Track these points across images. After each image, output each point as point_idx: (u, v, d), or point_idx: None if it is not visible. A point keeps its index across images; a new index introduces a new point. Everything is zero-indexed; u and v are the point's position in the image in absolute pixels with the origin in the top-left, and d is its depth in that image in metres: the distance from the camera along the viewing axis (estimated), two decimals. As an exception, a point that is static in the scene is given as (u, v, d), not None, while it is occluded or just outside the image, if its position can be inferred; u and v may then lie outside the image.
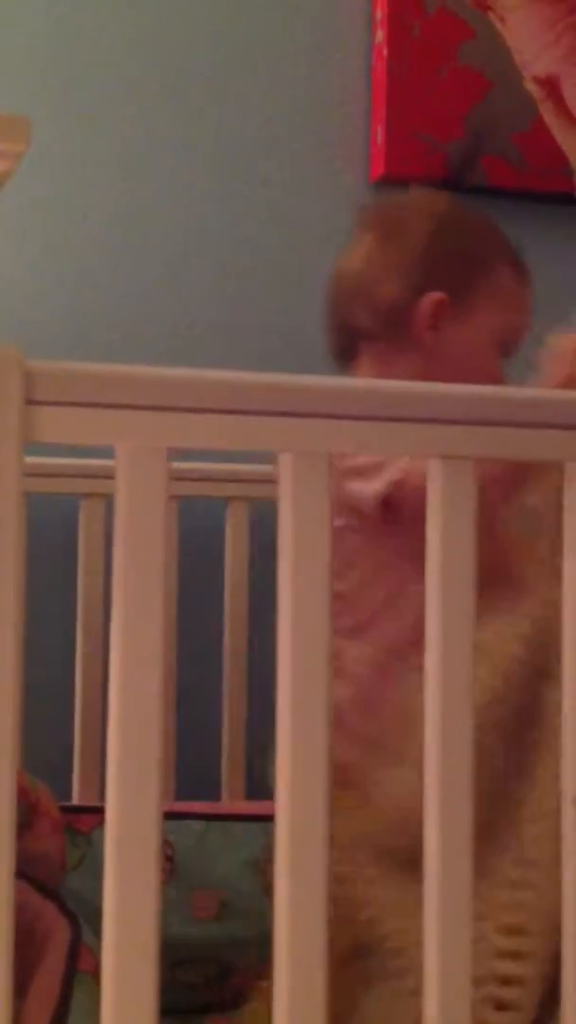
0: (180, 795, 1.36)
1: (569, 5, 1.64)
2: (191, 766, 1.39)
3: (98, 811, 0.83)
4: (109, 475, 0.58)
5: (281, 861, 0.61)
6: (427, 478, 0.65)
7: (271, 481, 0.66)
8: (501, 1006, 0.86)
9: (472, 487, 0.65)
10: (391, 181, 1.56)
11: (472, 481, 0.65)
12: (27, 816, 0.90)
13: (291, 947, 0.60)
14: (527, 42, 1.62)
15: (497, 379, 1.09)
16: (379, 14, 1.59)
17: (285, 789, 0.61)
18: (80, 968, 0.77)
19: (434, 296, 1.10)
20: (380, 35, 1.59)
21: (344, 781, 0.81)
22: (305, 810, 0.61)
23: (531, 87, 1.62)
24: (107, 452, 0.60)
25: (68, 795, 1.32)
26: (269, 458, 0.68)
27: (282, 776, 0.61)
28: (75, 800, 1.31)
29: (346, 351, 1.13)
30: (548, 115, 1.63)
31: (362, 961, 0.90)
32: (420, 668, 0.66)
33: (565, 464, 0.68)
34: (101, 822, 0.57)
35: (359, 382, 0.61)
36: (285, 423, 0.61)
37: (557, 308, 1.66)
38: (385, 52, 1.58)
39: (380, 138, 1.58)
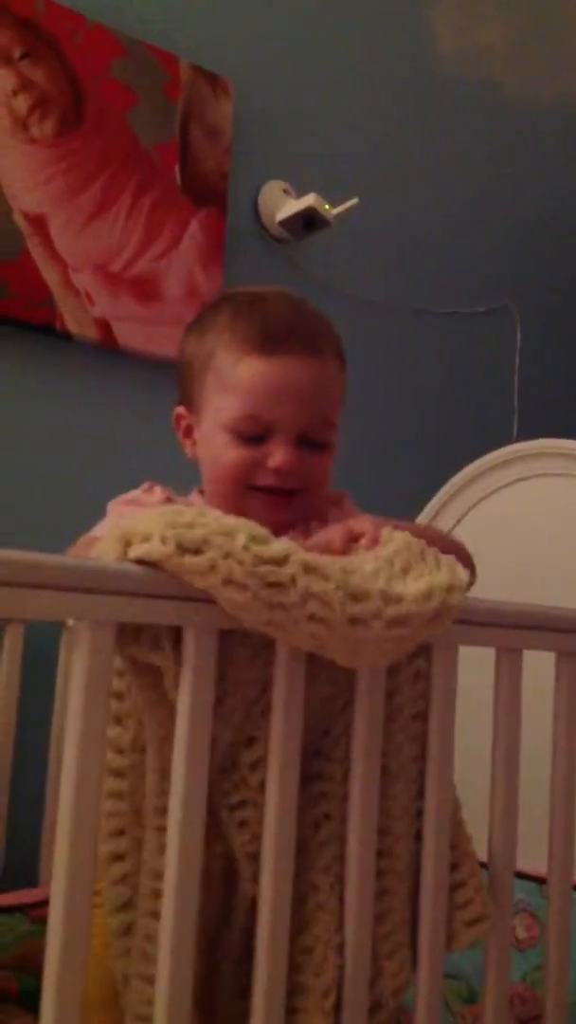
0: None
1: (60, 152, 1.73)
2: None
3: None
4: None
5: None
6: None
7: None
8: None
9: None
10: None
11: None
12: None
13: None
14: (17, 179, 1.68)
15: (223, 464, 1.06)
16: None
17: None
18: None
19: (175, 411, 1.13)
20: None
21: None
22: None
23: (20, 221, 1.68)
24: None
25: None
26: None
27: None
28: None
29: None
30: (35, 250, 1.70)
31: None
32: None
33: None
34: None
35: None
36: None
37: (46, 428, 1.72)
38: None
39: None
